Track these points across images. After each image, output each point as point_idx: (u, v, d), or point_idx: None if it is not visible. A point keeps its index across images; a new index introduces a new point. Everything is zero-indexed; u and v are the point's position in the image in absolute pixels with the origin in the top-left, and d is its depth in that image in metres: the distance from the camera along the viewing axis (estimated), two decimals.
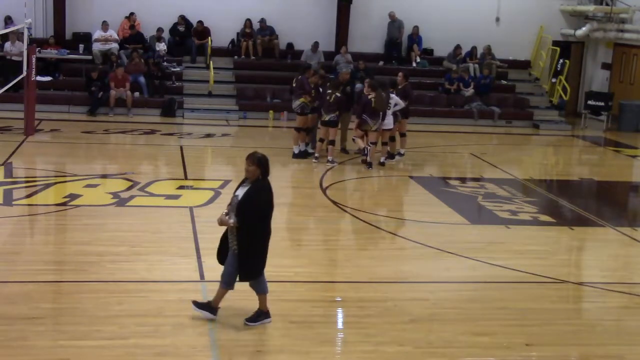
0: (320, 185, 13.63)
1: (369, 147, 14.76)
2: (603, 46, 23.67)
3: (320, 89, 15.43)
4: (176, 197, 12.40)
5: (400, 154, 15.88)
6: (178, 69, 21.31)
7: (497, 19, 23.33)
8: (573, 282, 9.72)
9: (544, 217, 12.42)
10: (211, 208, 11.77)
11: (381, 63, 22.31)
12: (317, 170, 14.72)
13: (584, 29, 23.09)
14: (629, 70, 22.70)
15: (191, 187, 13.12)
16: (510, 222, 11.90)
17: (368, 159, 14.85)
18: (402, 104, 15.19)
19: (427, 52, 23.09)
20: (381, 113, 14.72)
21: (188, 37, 21.83)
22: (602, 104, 22.17)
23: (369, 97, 14.62)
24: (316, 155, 15.28)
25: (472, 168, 16.41)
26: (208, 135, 17.88)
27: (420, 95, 20.90)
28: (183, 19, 21.81)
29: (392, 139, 15.64)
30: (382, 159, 15.23)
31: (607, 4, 22.84)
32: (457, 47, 22.59)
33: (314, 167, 14.93)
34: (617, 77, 23.20)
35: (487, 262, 9.93)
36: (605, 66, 23.62)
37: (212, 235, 10.35)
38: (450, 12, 22.85)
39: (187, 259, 9.42)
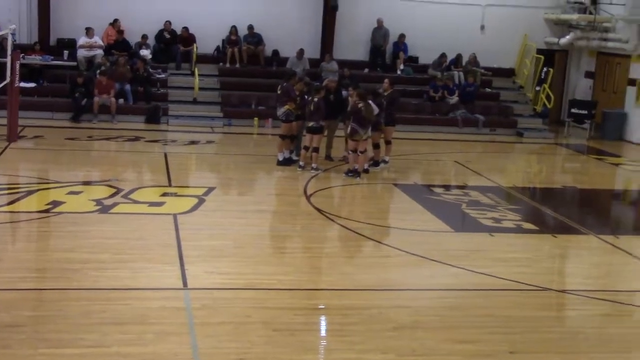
0: (305, 192, 13.62)
1: (348, 155, 14.80)
2: (586, 55, 23.83)
3: (306, 97, 15.44)
4: (160, 204, 12.36)
5: (384, 162, 15.90)
6: (163, 75, 21.28)
7: (482, 27, 23.45)
8: (556, 290, 9.75)
9: (528, 225, 12.47)
10: (195, 215, 11.76)
11: (366, 70, 22.36)
12: (302, 177, 14.71)
13: (567, 37, 23.24)
14: (612, 79, 22.85)
15: (175, 195, 13.08)
16: (494, 230, 11.93)
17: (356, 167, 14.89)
18: (376, 110, 15.16)
19: (412, 60, 23.17)
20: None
21: (173, 43, 21.80)
22: (586, 112, 22.33)
23: (359, 106, 14.65)
24: (301, 163, 15.27)
25: (456, 176, 16.46)
26: (192, 142, 17.86)
27: (405, 102, 20.95)
28: (168, 25, 21.78)
29: (377, 146, 15.69)
30: (365, 166, 15.21)
31: (590, 13, 22.99)
32: (442, 55, 22.68)
33: (299, 175, 14.92)
34: (600, 86, 23.35)
35: (471, 270, 9.95)
36: (589, 75, 23.77)
37: (196, 243, 10.39)
38: (436, 20, 22.96)
39: (171, 267, 9.38)
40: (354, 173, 14.79)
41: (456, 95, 21.97)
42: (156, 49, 21.74)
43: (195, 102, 20.89)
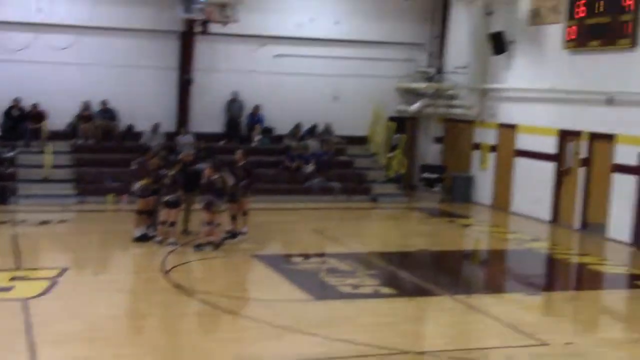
0: (163, 268, 13.39)
1: (208, 227, 14.77)
2: (435, 121, 24.82)
3: (162, 171, 15.34)
4: (8, 289, 11.79)
5: (242, 233, 15.90)
6: (11, 154, 20.55)
7: (336, 97, 24.04)
8: (415, 352, 9.93)
9: (386, 290, 12.71)
10: (47, 298, 11.32)
11: (222, 142, 22.46)
12: (160, 253, 14.46)
13: (416, 105, 24.14)
14: (458, 144, 23.89)
15: (25, 278, 12.54)
16: (353, 296, 12.11)
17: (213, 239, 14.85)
18: (232, 181, 15.27)
19: (268, 131, 23.44)
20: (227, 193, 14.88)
21: (22, 120, 21.15)
22: (436, 176, 23.27)
23: (213, 178, 14.69)
24: (158, 238, 15.07)
25: (314, 244, 16.62)
26: (44, 222, 17.22)
27: (262, 173, 21.08)
28: (17, 102, 21.16)
29: (234, 217, 15.71)
30: (217, 240, 15.06)
31: (437, 81, 24.06)
32: (297, 125, 23.12)
33: (156, 250, 14.67)
34: (448, 150, 24.36)
35: (332, 338, 10.01)
36: (438, 140, 24.77)
37: (47, 328, 9.97)
38: (290, 91, 23.41)
39: (19, 355, 8.94)
40: (209, 245, 14.73)
41: (312, 164, 22.36)
42: (4, 126, 21.02)
43: (46, 180, 20.22)
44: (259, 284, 13.19)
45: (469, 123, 23.17)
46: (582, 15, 18.73)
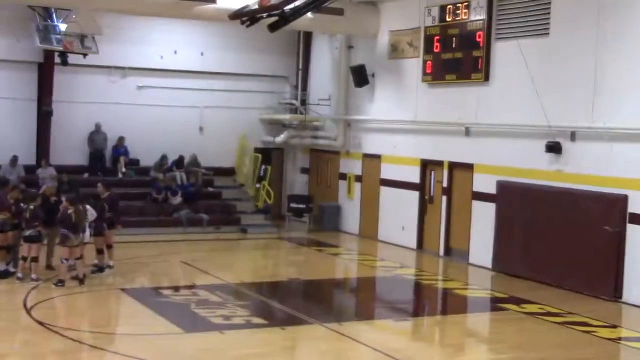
0: (25, 305, 12.85)
1: (67, 263, 14.35)
2: (301, 152, 25.11)
3: (21, 204, 14.80)
4: None
5: (109, 267, 15.51)
6: None
7: (201, 129, 23.96)
8: None
9: (257, 320, 12.67)
10: None
11: (86, 175, 21.87)
12: (21, 290, 13.88)
13: (282, 136, 24.37)
14: (325, 174, 24.23)
15: None
16: (224, 327, 12.00)
17: (78, 274, 14.42)
18: (94, 214, 14.97)
19: (133, 163, 23.05)
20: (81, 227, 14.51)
21: None
22: (304, 206, 23.47)
23: (68, 211, 14.33)
24: (19, 274, 14.49)
25: (184, 276, 16.41)
26: None
27: (128, 205, 20.66)
28: None
29: (101, 251, 15.31)
30: (80, 275, 14.64)
31: (301, 113, 24.39)
32: (163, 157, 22.83)
33: (17, 287, 14.08)
34: (315, 181, 24.65)
35: None
36: (304, 170, 25.04)
37: None
38: (155, 122, 23.12)
39: None
40: (74, 280, 14.31)
41: (179, 196, 22.13)
42: None
43: None
44: (127, 318, 12.88)
45: (335, 153, 23.55)
46: (437, 50, 19.45)
